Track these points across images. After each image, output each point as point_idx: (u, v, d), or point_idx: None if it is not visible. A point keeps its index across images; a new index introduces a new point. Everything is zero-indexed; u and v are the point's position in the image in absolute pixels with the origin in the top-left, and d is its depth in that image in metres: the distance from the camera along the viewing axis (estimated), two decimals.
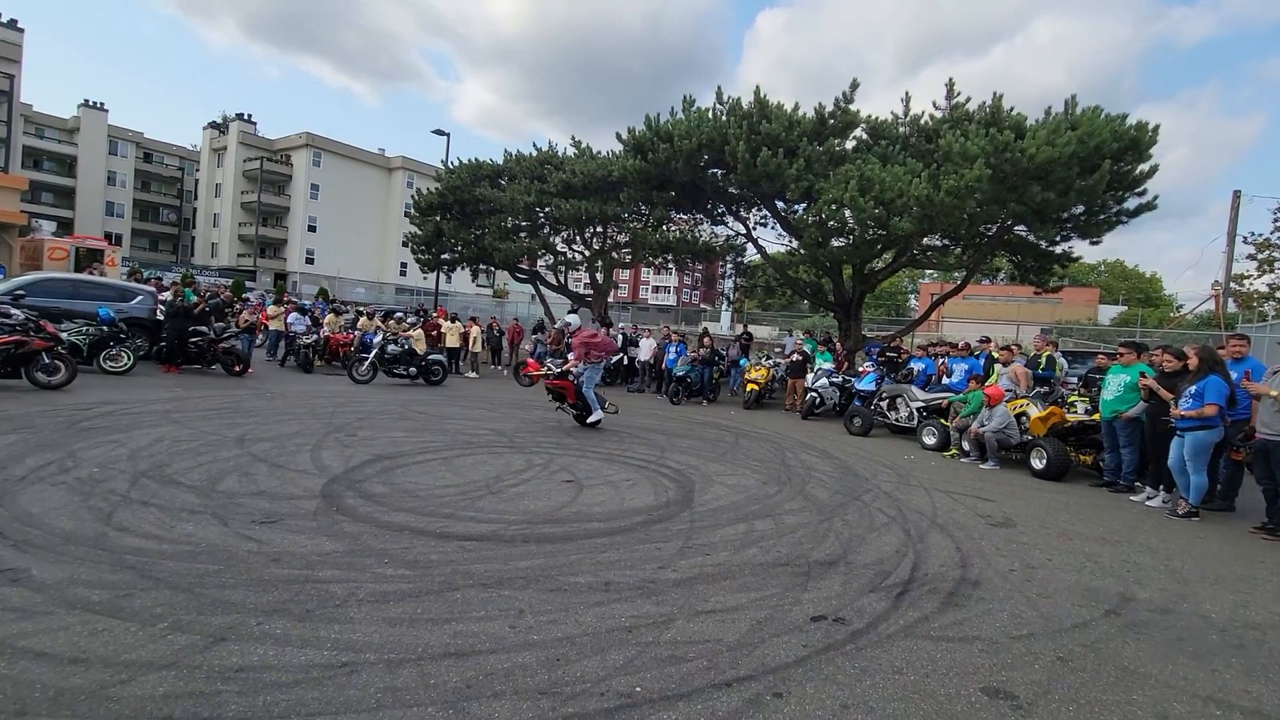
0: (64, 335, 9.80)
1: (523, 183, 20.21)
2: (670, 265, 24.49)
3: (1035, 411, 8.72)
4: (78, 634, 2.84)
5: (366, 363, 12.95)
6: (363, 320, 16.46)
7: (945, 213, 12.65)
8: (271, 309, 16.48)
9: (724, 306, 35.40)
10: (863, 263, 16.86)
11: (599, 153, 19.69)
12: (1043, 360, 10.42)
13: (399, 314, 17.78)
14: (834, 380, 12.88)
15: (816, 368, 13.46)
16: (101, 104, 52.89)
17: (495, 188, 21.25)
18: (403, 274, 52.74)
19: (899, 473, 7.96)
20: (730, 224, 20.56)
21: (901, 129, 15.57)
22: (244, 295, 25.01)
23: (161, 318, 12.43)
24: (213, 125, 55.56)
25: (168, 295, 14.08)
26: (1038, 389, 9.51)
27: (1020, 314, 35.47)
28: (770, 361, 15.37)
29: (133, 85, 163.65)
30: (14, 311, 9.35)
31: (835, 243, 15.71)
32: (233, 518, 4.51)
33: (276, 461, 6.11)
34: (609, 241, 22.52)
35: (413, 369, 13.33)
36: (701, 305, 65.87)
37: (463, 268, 24.17)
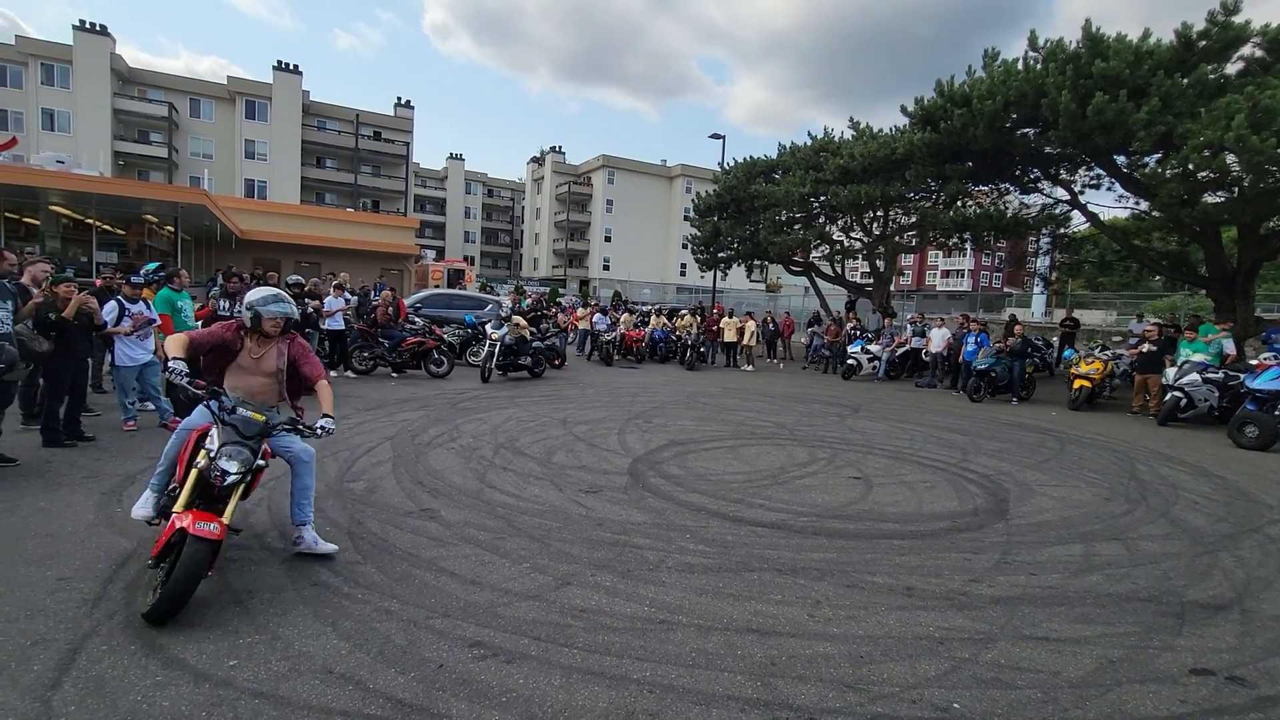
0: (446, 337, 12.78)
1: (797, 174, 19.89)
2: (966, 246, 21.64)
3: None
4: (473, 562, 3.71)
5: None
6: (653, 318, 18.08)
7: None
8: (580, 311, 19.12)
9: (1037, 289, 30.05)
10: (1256, 221, 12.69)
11: (880, 131, 18.36)
12: None
13: (683, 311, 19.06)
14: (1211, 376, 9.98)
15: (1181, 360, 10.58)
16: (460, 155, 67.86)
17: (770, 183, 21.33)
18: (682, 274, 56.43)
19: None
20: (1047, 191, 17.33)
21: None
22: (558, 300, 29.48)
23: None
24: (533, 159, 66.75)
25: (507, 303, 17.35)
26: None
27: None
28: (1108, 353, 12.57)
29: (479, 134, 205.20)
30: (417, 320, 12.52)
31: (1210, 198, 12.14)
32: (565, 485, 5.38)
33: (592, 441, 7.09)
34: (891, 225, 20.88)
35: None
36: (1005, 289, 56.83)
37: (738, 264, 24.82)
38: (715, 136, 26.16)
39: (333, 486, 4.95)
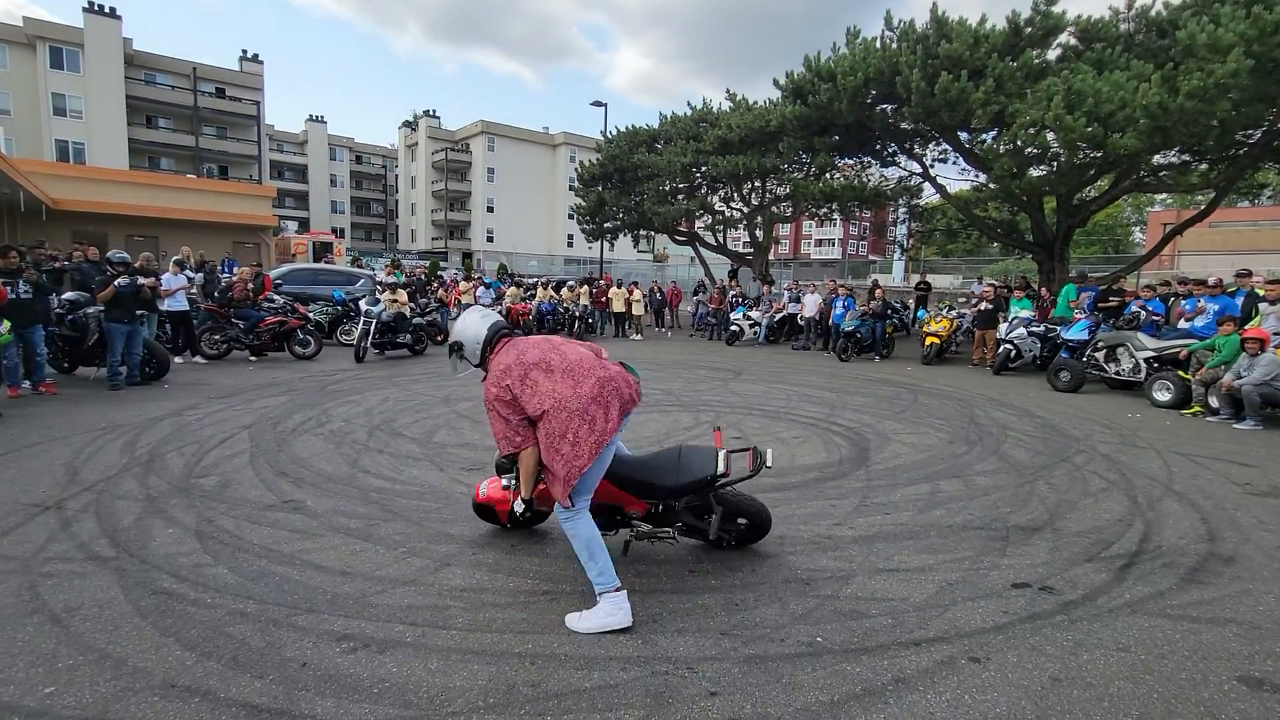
0: (312, 315, 11.80)
1: (679, 144, 20.16)
2: (835, 216, 23.09)
3: None
4: (343, 552, 3.49)
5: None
6: (539, 291, 17.75)
7: (1186, 121, 10.39)
8: (463, 285, 18.38)
9: (896, 256, 32.78)
10: (1070, 193, 14.52)
11: (755, 104, 18.96)
12: None
13: (570, 283, 18.88)
14: (1034, 330, 11.39)
15: (1012, 316, 11.98)
16: (321, 117, 61.87)
17: (652, 152, 21.45)
18: (570, 245, 55.74)
19: (1120, 433, 6.89)
20: (903, 164, 18.79)
21: (1123, 25, 12.97)
22: (439, 274, 28.13)
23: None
24: (406, 124, 62.41)
25: (381, 277, 16.29)
26: None
27: None
28: (954, 313, 13.98)
29: (343, 95, 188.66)
30: (275, 298, 11.44)
31: (1034, 172, 13.69)
32: (447, 464, 5.19)
33: (476, 418, 6.88)
34: (768, 196, 21.77)
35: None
36: (870, 256, 61.47)
37: (624, 235, 24.89)
38: (597, 104, 25.82)
39: (178, 484, 4.45)
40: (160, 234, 24.16)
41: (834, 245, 72.04)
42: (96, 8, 37.03)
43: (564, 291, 17.58)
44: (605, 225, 23.97)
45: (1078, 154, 12.23)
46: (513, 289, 17.83)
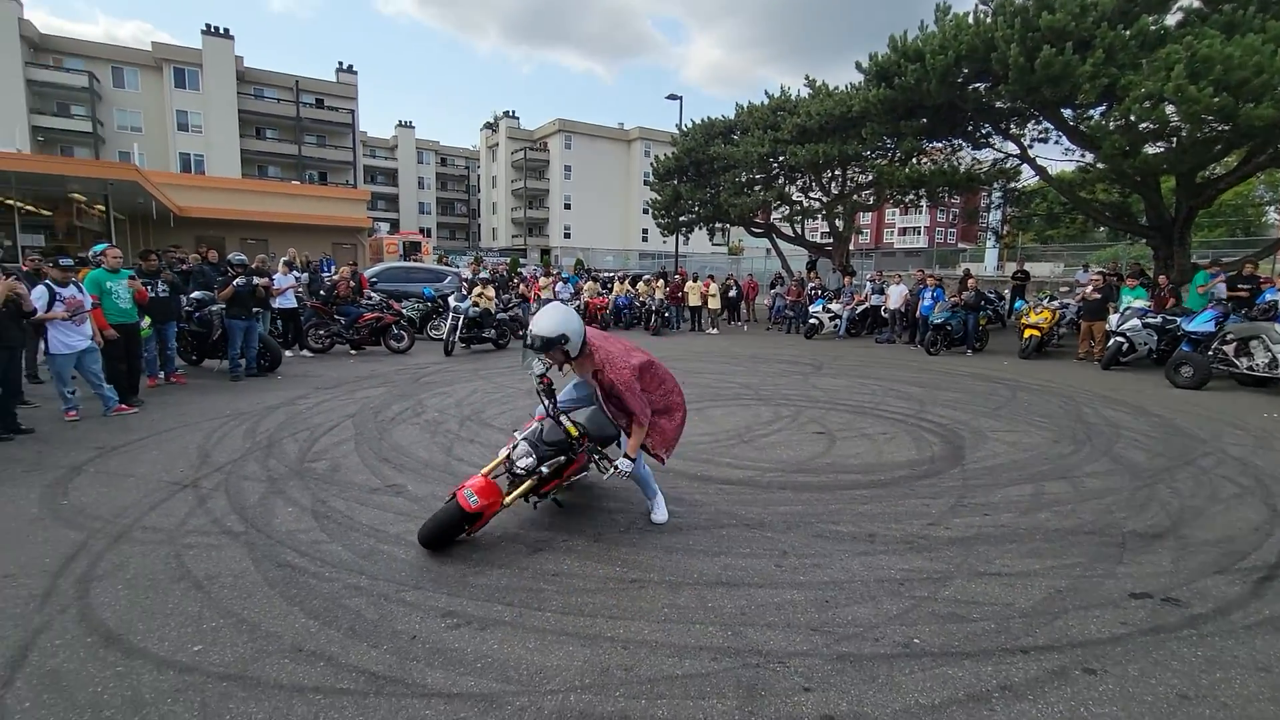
0: (405, 311, 12.46)
1: (755, 134, 19.78)
2: (922, 203, 22.00)
3: None
4: None
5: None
6: (616, 285, 17.97)
7: None
8: (542, 281, 18.87)
9: (989, 243, 30.83)
10: (1192, 171, 13.18)
11: (835, 89, 18.32)
12: None
13: (646, 277, 18.99)
14: (1150, 321, 10.45)
15: (1124, 307, 11.04)
16: (410, 122, 65.26)
17: (728, 144, 21.17)
18: (644, 240, 56.01)
19: (1255, 434, 6.23)
20: (998, 146, 17.62)
21: None
22: (519, 270, 29.00)
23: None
24: (487, 125, 64.59)
25: (467, 274, 16.99)
26: None
27: None
28: (1056, 303, 13.03)
29: (428, 100, 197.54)
30: (373, 295, 12.16)
31: (1150, 149, 12.51)
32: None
33: None
34: (849, 184, 21.02)
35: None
36: (959, 245, 58.14)
37: (699, 228, 24.73)
38: (672, 97, 25.76)
39: (294, 468, 4.84)
40: (270, 237, 26.18)
41: (920, 234, 68.72)
42: (213, 30, 40.44)
43: (640, 285, 17.70)
44: (680, 219, 23.90)
45: (1202, 128, 11.08)
46: (590, 284, 18.13)
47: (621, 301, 17.22)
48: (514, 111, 61.56)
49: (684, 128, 23.69)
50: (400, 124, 64.72)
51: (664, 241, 29.84)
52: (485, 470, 3.49)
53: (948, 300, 12.93)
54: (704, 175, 22.46)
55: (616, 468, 3.47)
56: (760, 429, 6.37)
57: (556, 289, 16.87)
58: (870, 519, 4.03)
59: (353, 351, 10.98)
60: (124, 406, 6.47)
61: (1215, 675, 2.47)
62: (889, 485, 4.70)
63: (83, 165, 22.44)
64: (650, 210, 25.73)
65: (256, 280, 8.60)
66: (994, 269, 32.68)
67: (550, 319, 3.34)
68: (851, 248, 24.54)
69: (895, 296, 14.57)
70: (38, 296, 5.83)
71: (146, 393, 7.27)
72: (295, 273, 11.43)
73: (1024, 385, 8.94)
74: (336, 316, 10.96)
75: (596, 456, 3.59)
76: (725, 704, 2.27)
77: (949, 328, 12.47)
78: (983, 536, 3.77)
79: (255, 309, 8.66)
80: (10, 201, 18.35)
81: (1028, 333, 11.82)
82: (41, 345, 6.38)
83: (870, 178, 19.69)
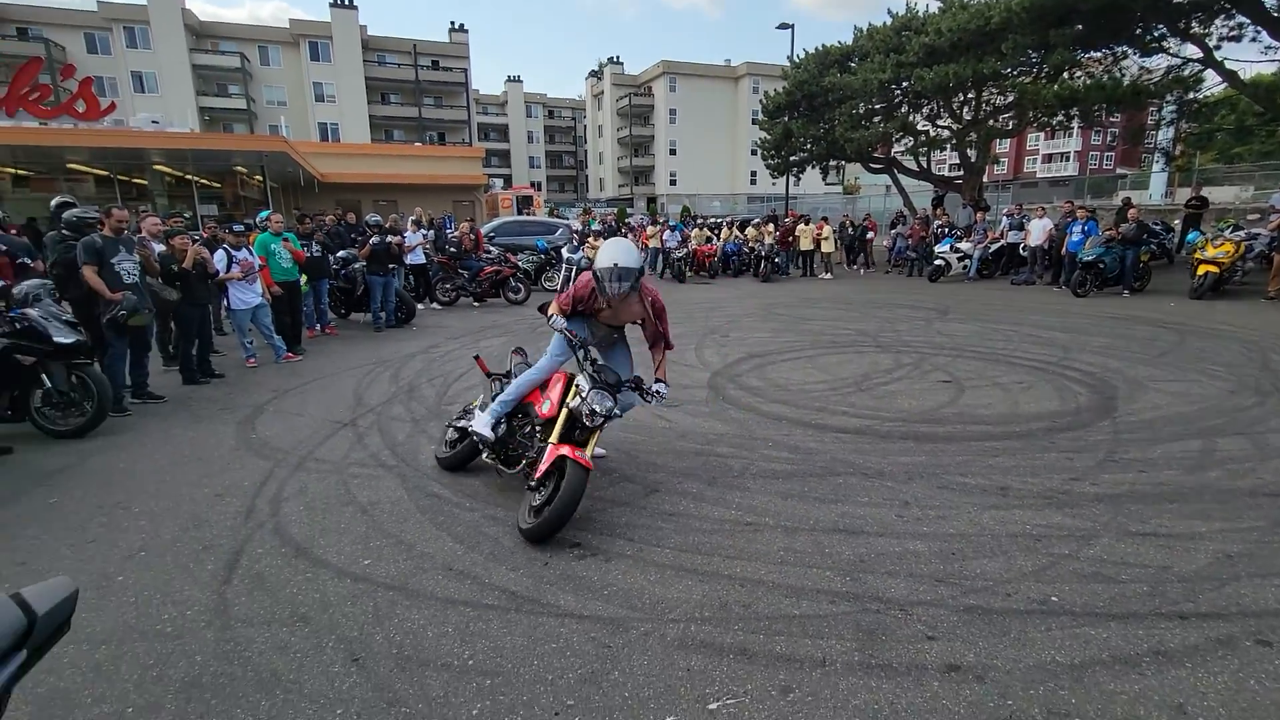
0: (520, 264, 13.01)
1: (876, 60, 18.16)
2: (1073, 124, 19.35)
3: None
4: None
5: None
6: (724, 231, 17.60)
7: None
8: (649, 230, 18.86)
9: (1157, 167, 26.70)
10: None
11: (970, 1, 16.31)
12: None
13: (755, 221, 18.42)
14: None
15: None
16: (518, 77, 66.10)
17: (845, 72, 19.63)
18: (753, 182, 54.01)
19: None
20: (1174, 50, 15.03)
21: None
22: (627, 220, 29.14)
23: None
24: (592, 74, 64.29)
25: (577, 226, 17.34)
26: None
27: None
28: (1241, 234, 11.18)
29: (534, 53, 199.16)
30: (492, 249, 12.77)
31: None
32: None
33: (670, 357, 7.15)
34: (984, 108, 18.90)
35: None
36: (1117, 170, 50.91)
37: (812, 167, 23.41)
38: (783, 26, 24.22)
39: (433, 410, 5.31)
40: (398, 197, 28.05)
41: (1069, 160, 60.87)
42: (339, 2, 42.83)
43: (749, 231, 17.21)
44: (791, 158, 22.70)
45: None
46: (697, 230, 17.88)
47: (730, 248, 16.86)
48: (618, 57, 60.97)
49: (795, 59, 22.22)
50: (509, 79, 65.87)
51: (773, 184, 28.54)
52: (552, 439, 3.29)
53: (1101, 234, 11.48)
54: (817, 109, 21.06)
55: (659, 394, 3.49)
56: (879, 377, 6.11)
57: (664, 238, 16.79)
58: (1003, 472, 3.80)
59: (475, 304, 11.67)
60: (290, 355, 7.37)
61: None
62: (1025, 438, 4.38)
63: (243, 140, 25.06)
64: (759, 151, 24.63)
65: (391, 239, 9.31)
66: (1161, 197, 28.38)
67: (632, 251, 3.40)
68: (985, 179, 22.30)
69: (1037, 232, 13.15)
70: (218, 260, 6.68)
71: (306, 343, 8.19)
72: (423, 230, 12.21)
73: (1195, 329, 7.86)
74: (460, 271, 11.66)
75: (642, 389, 3.53)
76: (844, 644, 2.30)
77: (1101, 265, 11.10)
78: (1136, 494, 3.45)
79: (391, 266, 9.40)
80: (189, 176, 20.91)
81: (1202, 269, 10.28)
82: (224, 302, 7.36)
83: (1010, 99, 17.61)
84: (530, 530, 3.06)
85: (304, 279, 8.22)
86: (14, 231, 8.33)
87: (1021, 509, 3.32)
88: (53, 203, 7.00)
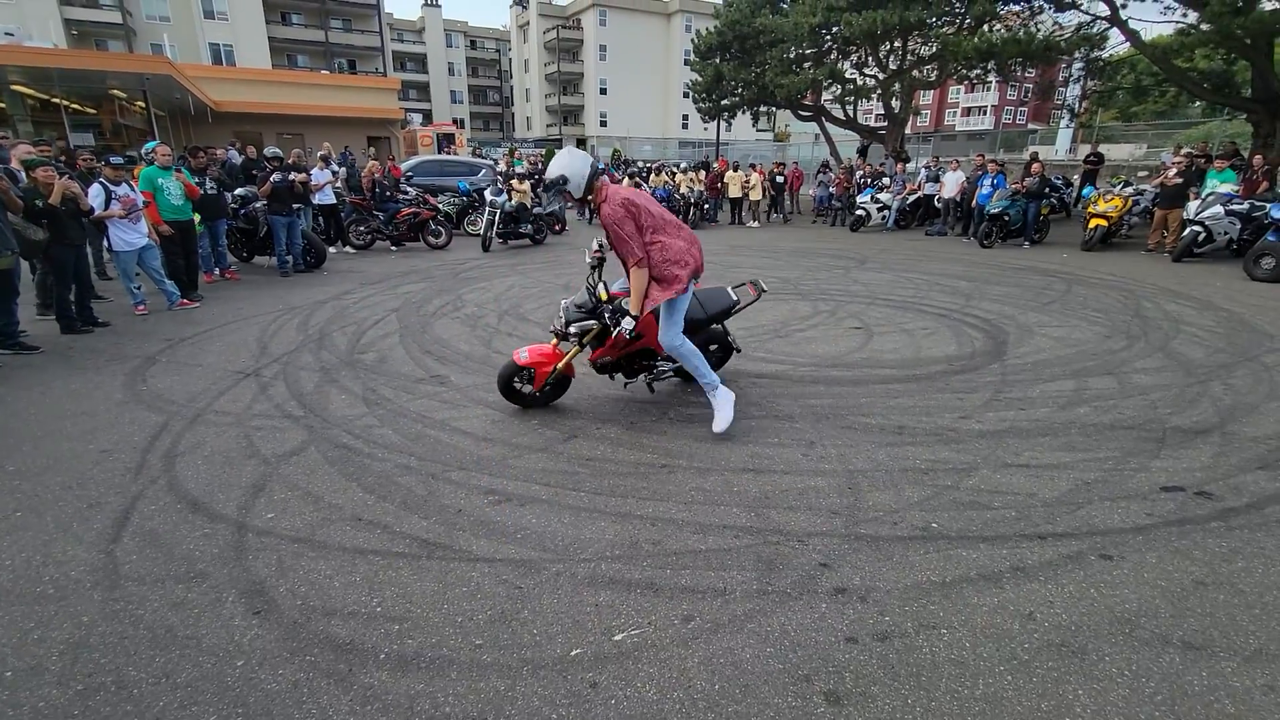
0: (441, 206, 12.43)
1: (807, 3, 18.01)
2: (990, 78, 20.01)
3: None
4: (484, 422, 3.90)
5: None
6: (653, 177, 17.36)
7: None
8: None
9: (1063, 123, 28.19)
10: None
11: None
12: None
13: (684, 167, 18.24)
14: (1235, 208, 9.61)
15: (1206, 192, 10.14)
16: (436, 1, 61.32)
17: (777, 14, 19.38)
18: (684, 127, 53.17)
19: None
20: (1086, 6, 15.66)
21: None
22: (620, 159, 28.17)
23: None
24: (516, 2, 60.47)
25: (502, 168, 16.65)
26: None
27: None
28: (1130, 189, 12.04)
29: None
30: (409, 190, 12.11)
31: (1266, 3, 10.94)
32: None
33: None
34: (909, 58, 19.20)
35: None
36: (1029, 125, 53.34)
37: (743, 112, 23.26)
38: None
39: (344, 359, 5.10)
40: (305, 131, 25.93)
41: (986, 114, 63.15)
42: None
43: (679, 177, 17.06)
44: (722, 102, 22.46)
45: None
46: (627, 179, 17.55)
47: (660, 194, 16.69)
48: None
49: None
50: (426, 3, 61.08)
51: (705, 129, 28.23)
52: (555, 342, 3.89)
53: (1008, 188, 12.10)
54: (749, 52, 20.79)
55: (620, 326, 3.50)
56: (796, 324, 6.32)
57: None
58: (901, 412, 4.06)
59: (393, 247, 11.13)
60: (186, 301, 6.83)
61: (1237, 564, 2.50)
62: (924, 380, 4.67)
63: (118, 59, 22.20)
64: (691, 93, 24.21)
65: (294, 176, 8.65)
66: (1065, 152, 30.06)
67: (555, 161, 3.46)
68: (909, 131, 22.88)
69: (951, 184, 13.70)
70: (94, 195, 6.03)
71: (204, 288, 7.61)
72: (333, 167, 11.40)
73: (1082, 279, 8.51)
74: (376, 213, 11.03)
75: (613, 320, 3.61)
76: (744, 575, 2.44)
77: (1006, 218, 11.74)
78: (1014, 430, 3.77)
79: (296, 205, 8.77)
80: (56, 99, 18.51)
81: (1093, 222, 11.06)
82: (105, 243, 6.68)
83: (934, 50, 17.94)
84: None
85: (198, 218, 7.56)
86: None
87: (914, 445, 3.57)
88: None
